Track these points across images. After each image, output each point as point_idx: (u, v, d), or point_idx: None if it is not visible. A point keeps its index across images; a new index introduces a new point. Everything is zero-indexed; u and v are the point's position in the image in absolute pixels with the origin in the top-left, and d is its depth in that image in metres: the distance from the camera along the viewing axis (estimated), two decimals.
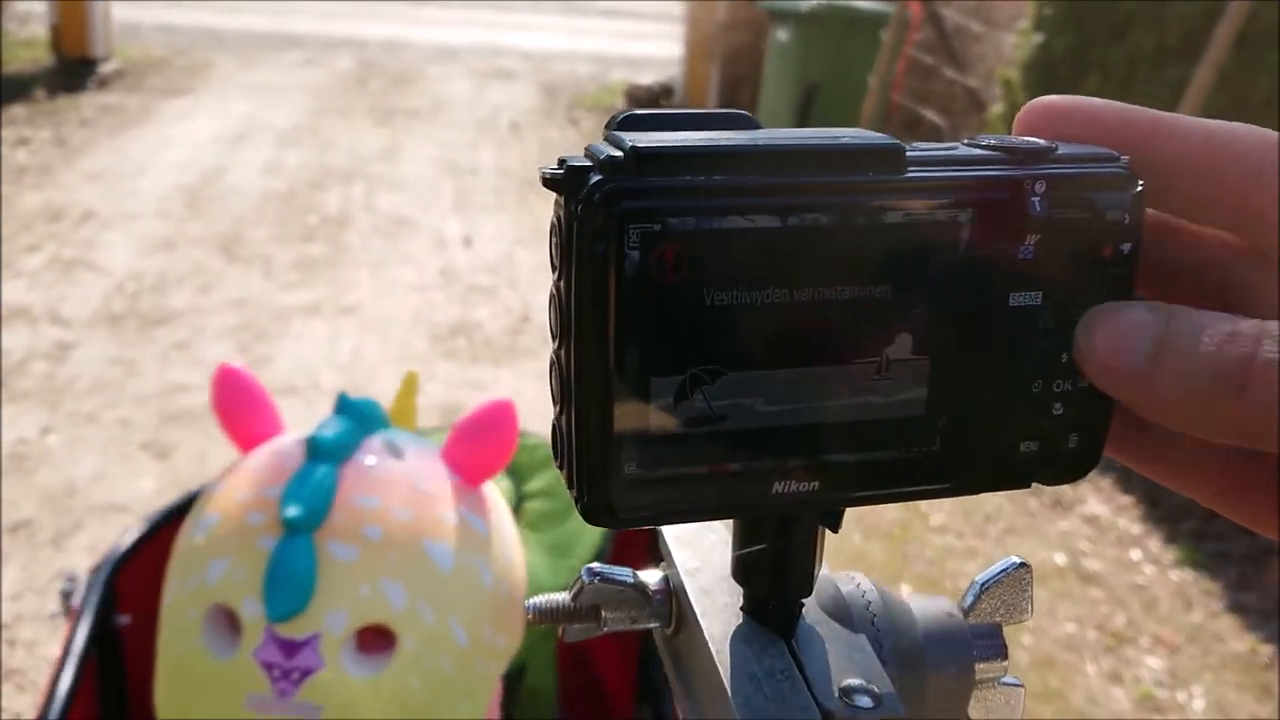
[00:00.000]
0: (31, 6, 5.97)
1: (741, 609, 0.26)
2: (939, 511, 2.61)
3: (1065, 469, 0.24)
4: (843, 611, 0.26)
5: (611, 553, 1.22)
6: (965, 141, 0.24)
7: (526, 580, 1.00)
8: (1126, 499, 2.72)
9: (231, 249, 3.77)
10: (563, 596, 0.26)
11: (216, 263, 3.63)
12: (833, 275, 0.21)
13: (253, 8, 8.98)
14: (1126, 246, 0.23)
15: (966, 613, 0.27)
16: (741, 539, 0.25)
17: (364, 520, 0.85)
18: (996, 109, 3.87)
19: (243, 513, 0.86)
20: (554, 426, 0.23)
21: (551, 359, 0.22)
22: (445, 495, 0.90)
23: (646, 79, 7.06)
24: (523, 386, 2.93)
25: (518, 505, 1.32)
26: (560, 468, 0.22)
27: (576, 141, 5.81)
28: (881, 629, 0.26)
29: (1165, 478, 0.26)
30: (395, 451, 0.92)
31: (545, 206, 3.79)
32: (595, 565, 0.26)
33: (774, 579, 0.25)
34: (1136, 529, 2.60)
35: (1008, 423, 0.24)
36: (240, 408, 0.95)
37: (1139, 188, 0.23)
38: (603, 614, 0.26)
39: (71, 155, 4.69)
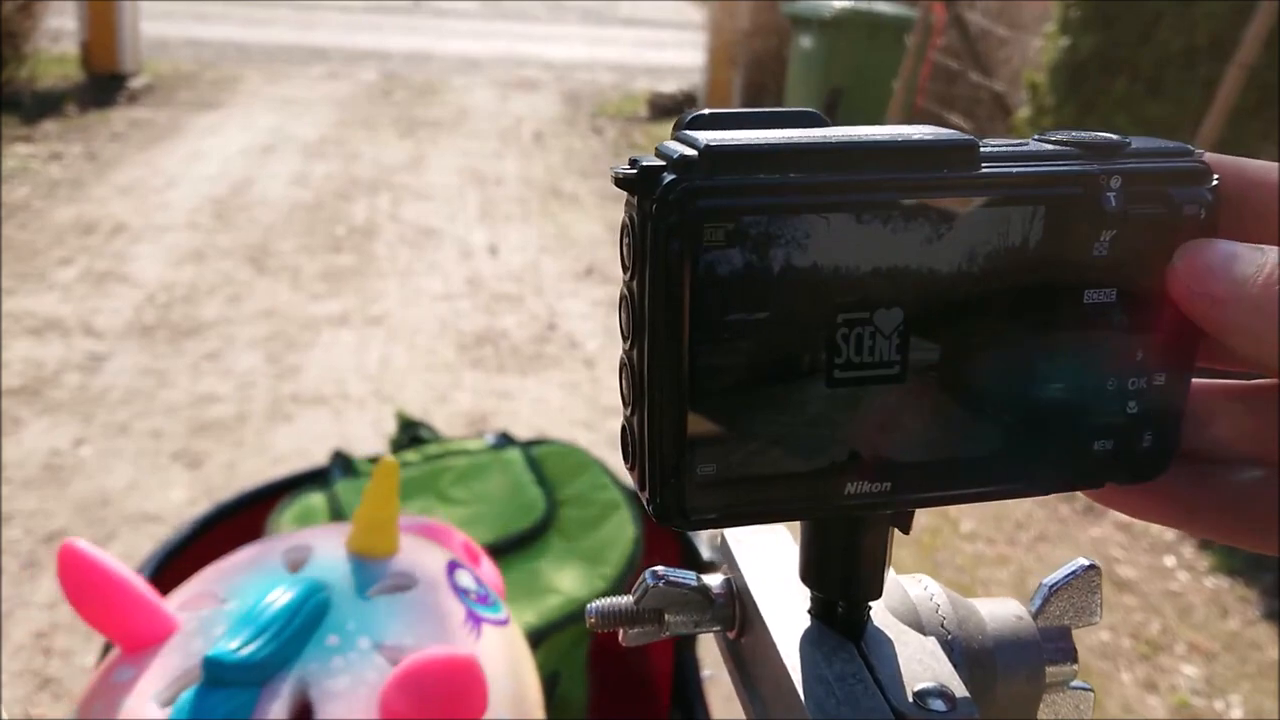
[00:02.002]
0: (62, 23, 6.05)
1: (809, 611, 0.26)
2: (969, 518, 2.59)
3: (1139, 468, 0.24)
4: (912, 615, 0.26)
5: (643, 561, 1.22)
6: (1037, 136, 0.23)
7: None
8: None
9: (260, 260, 3.80)
10: (626, 600, 0.26)
11: (246, 274, 3.66)
12: (906, 273, 0.21)
13: (279, 21, 9.07)
14: None
15: (1035, 615, 0.27)
16: (810, 540, 0.25)
17: None
18: (1023, 112, 3.84)
19: None
20: (624, 428, 0.22)
21: (622, 360, 0.22)
22: None
23: (669, 87, 7.07)
24: (549, 394, 2.93)
25: (549, 514, 1.32)
26: (630, 468, 0.22)
27: (600, 150, 5.83)
28: (952, 632, 0.25)
29: (1198, 524, 0.25)
30: (304, 713, 0.67)
31: (570, 215, 3.83)
32: (660, 568, 0.26)
33: (844, 581, 0.25)
34: (1170, 534, 2.57)
35: (1082, 421, 0.23)
36: (100, 606, 0.71)
37: (1214, 181, 0.23)
38: (666, 617, 0.26)
39: (103, 169, 4.75)
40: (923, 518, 2.23)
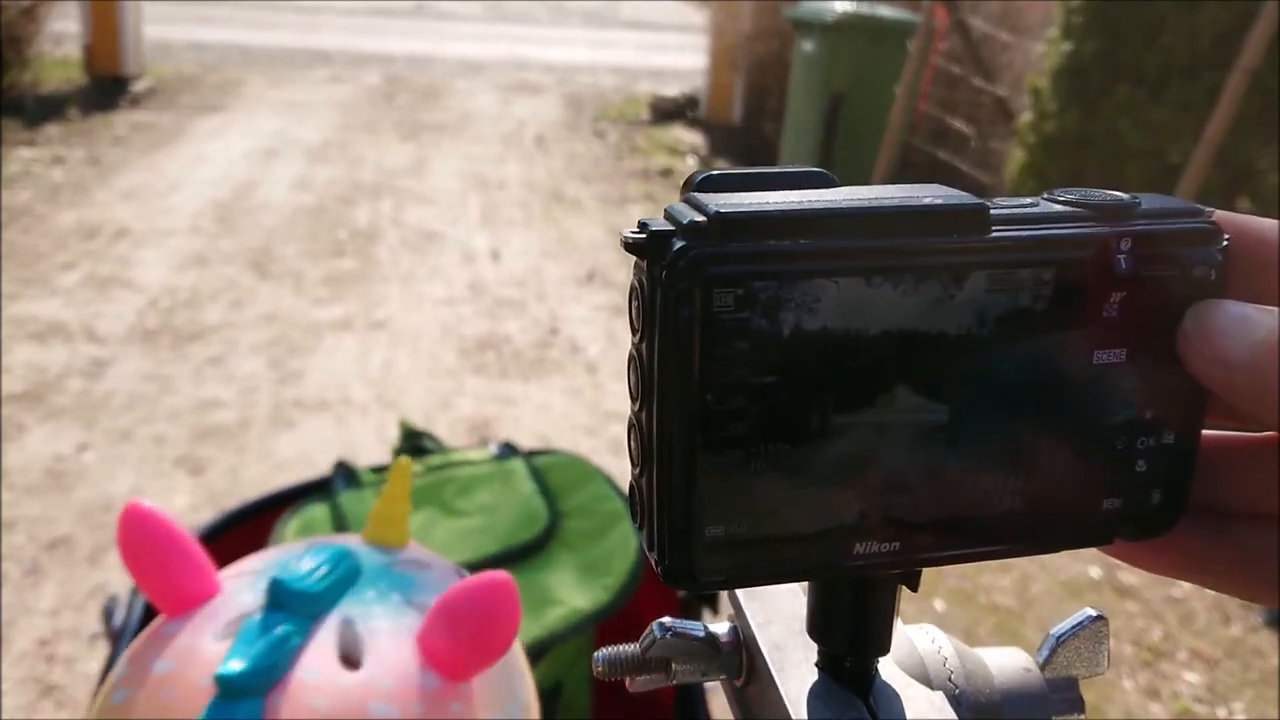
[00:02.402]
0: (65, 27, 6.06)
1: (816, 665, 0.26)
2: None
3: (1148, 525, 0.24)
4: (919, 668, 0.26)
5: (646, 573, 1.22)
6: (1046, 196, 0.23)
7: None
8: None
9: (263, 265, 3.80)
10: (632, 648, 0.26)
11: (248, 278, 3.66)
12: (915, 336, 0.21)
13: (282, 24, 9.08)
14: None
15: (1043, 666, 0.27)
16: (818, 597, 0.25)
17: None
18: (1025, 117, 3.84)
19: None
20: (632, 487, 0.23)
21: (631, 420, 0.22)
22: (414, 714, 0.70)
23: (671, 90, 7.07)
24: (551, 400, 2.93)
25: (552, 525, 1.32)
26: (639, 528, 0.22)
27: (602, 154, 5.83)
28: (959, 686, 0.25)
29: (1209, 578, 0.25)
30: (353, 649, 0.72)
31: (572, 219, 3.83)
32: (667, 620, 0.26)
33: (852, 637, 0.25)
34: None
35: (1090, 480, 0.23)
36: (157, 562, 0.75)
37: (1225, 242, 0.23)
38: (673, 666, 0.26)
39: (105, 173, 4.75)
40: None
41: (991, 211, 0.22)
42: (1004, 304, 0.22)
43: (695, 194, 0.21)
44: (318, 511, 1.31)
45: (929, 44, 4.42)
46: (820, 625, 0.25)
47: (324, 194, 4.69)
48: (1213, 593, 2.14)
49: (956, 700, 0.25)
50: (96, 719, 0.71)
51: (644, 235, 0.21)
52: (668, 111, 6.72)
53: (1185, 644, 2.23)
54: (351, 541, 0.84)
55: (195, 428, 2.65)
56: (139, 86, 6.17)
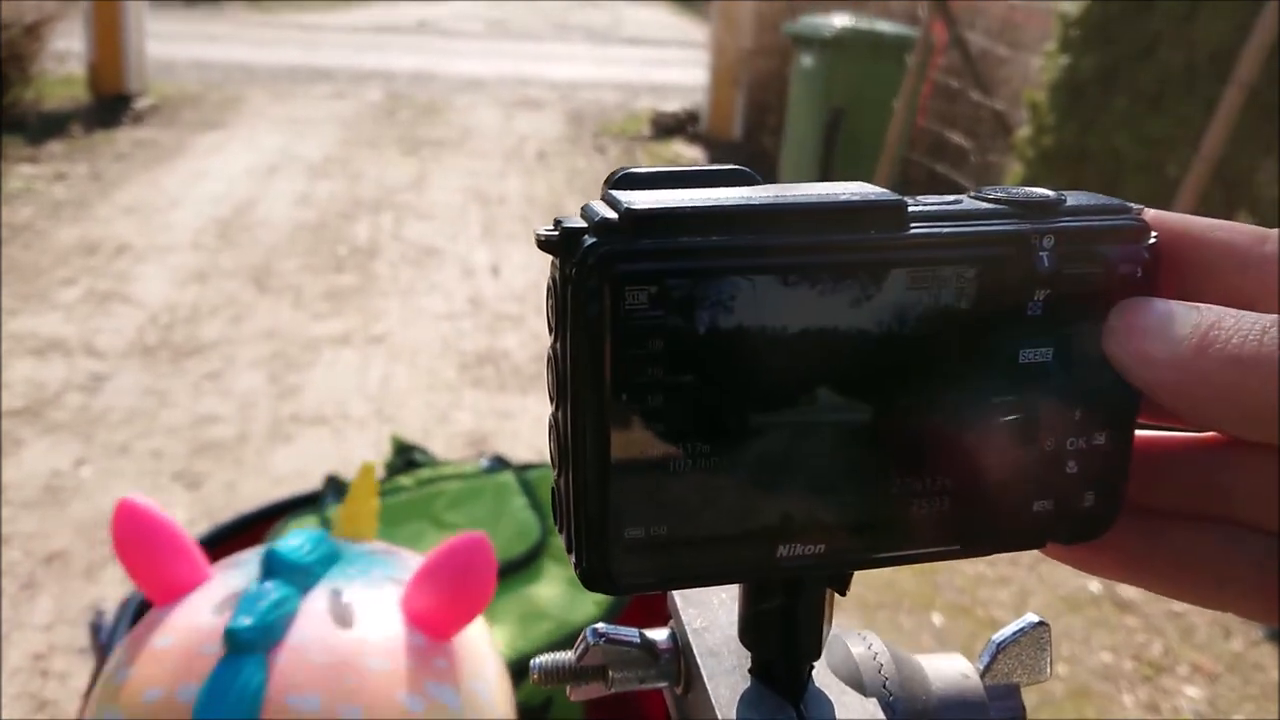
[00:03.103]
0: (70, 45, 6.10)
1: (750, 671, 0.25)
2: None
3: (1081, 528, 0.24)
4: (854, 674, 0.25)
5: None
6: (972, 194, 0.23)
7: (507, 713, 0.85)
8: None
9: (263, 280, 3.81)
10: (568, 656, 0.26)
11: (248, 294, 3.67)
12: (835, 335, 0.21)
13: (285, 41, 9.12)
14: None
15: (983, 673, 0.26)
16: (748, 601, 0.25)
17: None
18: (1023, 131, 3.85)
19: (155, 716, 0.71)
20: (553, 490, 0.22)
21: (550, 422, 0.22)
22: (405, 670, 0.74)
23: (672, 106, 7.09)
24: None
25: (543, 539, 1.32)
26: (560, 531, 0.22)
27: (603, 169, 5.84)
28: (894, 693, 0.25)
29: (1149, 580, 0.25)
30: (343, 615, 0.75)
31: None
32: (600, 626, 0.26)
33: (782, 642, 0.25)
34: None
35: (1020, 481, 0.23)
36: (149, 554, 0.78)
37: (1153, 239, 0.23)
38: (610, 674, 0.26)
39: (107, 189, 4.77)
40: None
41: (911, 209, 0.22)
42: (926, 302, 0.21)
43: (611, 191, 0.21)
44: (308, 523, 1.31)
45: (927, 59, 4.43)
46: (750, 631, 0.25)
47: (324, 209, 4.70)
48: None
49: (890, 707, 0.25)
50: (100, 699, 0.74)
51: (556, 232, 0.21)
52: (668, 127, 6.73)
53: (1186, 658, 2.21)
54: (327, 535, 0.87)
55: (193, 442, 2.65)
56: (142, 104, 6.20)
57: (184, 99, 6.67)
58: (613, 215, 0.20)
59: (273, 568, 0.76)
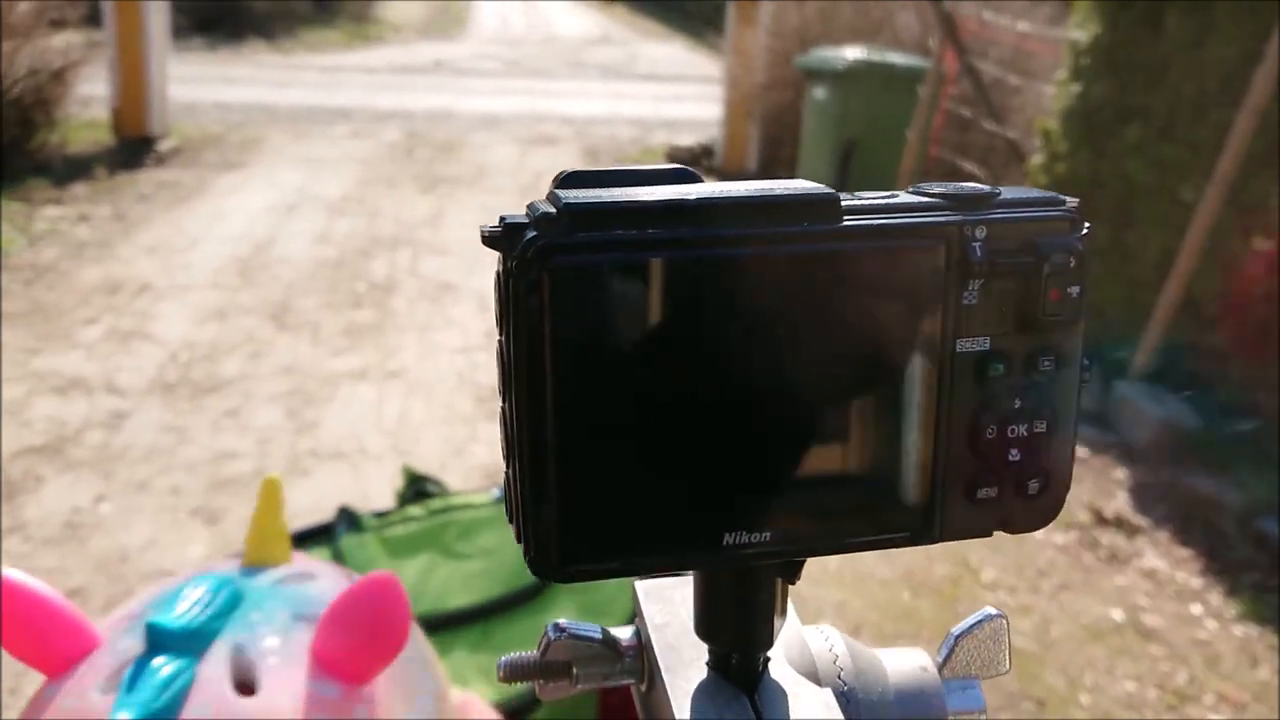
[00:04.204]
0: (94, 89, 6.21)
1: (707, 664, 0.26)
2: (990, 566, 2.56)
3: (1027, 516, 0.24)
4: (810, 667, 0.25)
5: None
6: (910, 189, 0.24)
7: None
8: (1185, 552, 2.64)
9: (281, 317, 3.84)
10: (533, 654, 0.26)
11: (267, 331, 3.70)
12: (774, 324, 0.21)
13: (304, 83, 9.25)
14: (1075, 290, 0.23)
15: (942, 666, 0.27)
16: (700, 594, 0.25)
17: None
18: (1036, 159, 3.85)
19: None
20: (504, 481, 0.23)
21: (500, 414, 0.22)
22: None
23: (687, 140, 7.14)
24: None
25: None
26: (510, 521, 0.23)
27: None
28: (849, 684, 0.25)
29: None
30: (244, 674, 0.70)
31: None
32: (562, 621, 0.26)
33: (735, 634, 0.25)
34: (1196, 582, 2.52)
35: (963, 470, 0.23)
36: (32, 629, 0.73)
37: (1085, 230, 0.23)
38: (574, 670, 0.26)
39: (129, 230, 4.84)
40: (941, 566, 2.20)
41: (847, 202, 0.22)
42: (860, 292, 0.22)
43: (556, 190, 0.22)
44: (321, 554, 1.32)
45: (939, 89, 4.45)
46: (704, 623, 0.25)
47: (343, 247, 4.75)
48: (1240, 635, 2.09)
49: (845, 698, 0.25)
50: None
51: (500, 228, 0.21)
52: (683, 160, 6.78)
53: (1212, 687, 2.18)
54: (231, 567, 0.83)
55: (212, 478, 2.67)
56: (164, 146, 6.30)
57: (205, 140, 6.77)
58: (551, 210, 0.21)
59: (157, 641, 0.71)
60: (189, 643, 0.71)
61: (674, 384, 0.21)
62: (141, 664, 0.69)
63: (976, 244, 0.22)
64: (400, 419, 3.08)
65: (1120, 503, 2.86)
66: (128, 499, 2.55)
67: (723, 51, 6.96)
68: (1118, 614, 2.41)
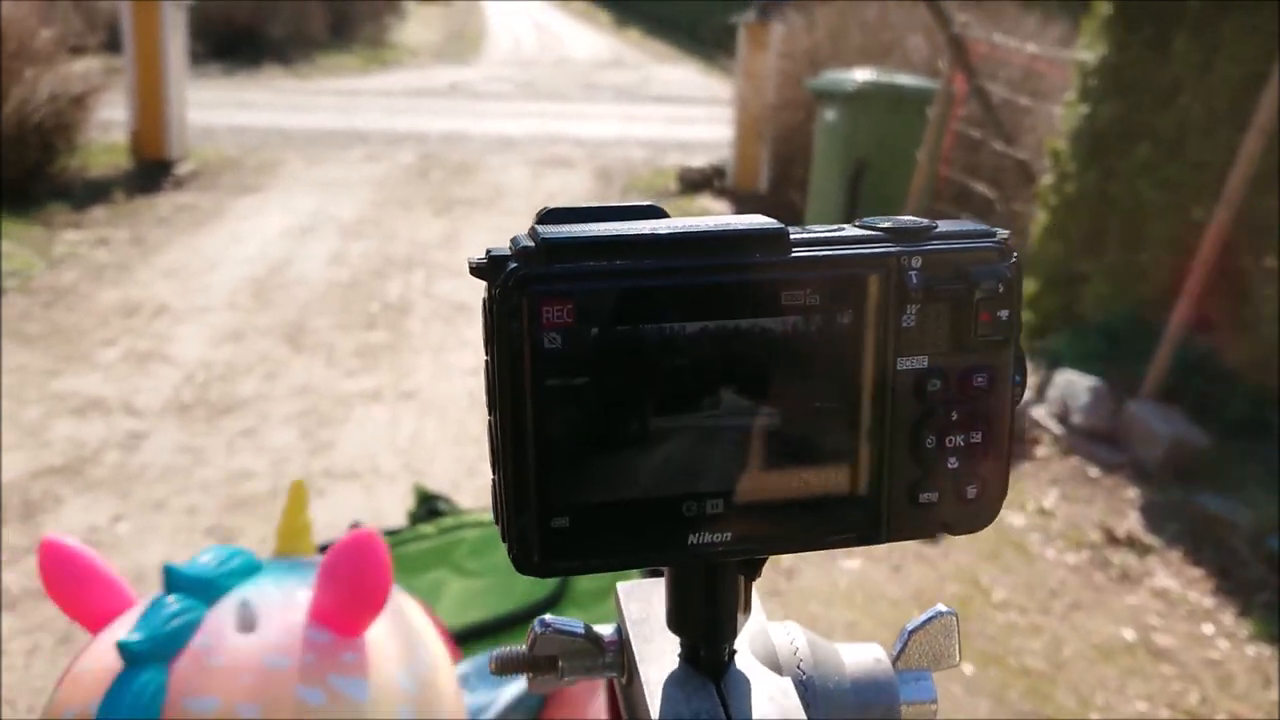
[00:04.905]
0: (113, 114, 6.30)
1: (679, 656, 0.28)
2: (1001, 586, 2.56)
3: (967, 519, 0.26)
4: (772, 658, 0.28)
5: None
6: (857, 223, 0.26)
7: (446, 705, 0.86)
8: (1197, 571, 2.64)
9: (297, 338, 3.89)
10: (521, 648, 0.29)
11: (282, 352, 3.74)
12: (730, 345, 0.24)
13: (320, 107, 9.36)
14: (1004, 313, 0.25)
15: (896, 659, 0.29)
16: (670, 590, 0.28)
17: None
18: (1046, 179, 3.87)
19: None
20: (491, 488, 0.25)
21: (487, 426, 0.25)
22: (306, 668, 0.76)
23: (699, 161, 7.19)
24: None
25: (564, 583, 1.34)
26: (496, 522, 0.25)
27: None
28: (808, 673, 0.27)
29: None
30: (247, 620, 0.78)
31: None
32: (547, 617, 0.29)
33: (702, 627, 0.27)
34: (1209, 602, 2.52)
35: (905, 475, 0.25)
36: (74, 587, 0.81)
37: (1013, 259, 0.25)
38: (560, 664, 0.28)
39: (148, 253, 4.90)
40: (952, 586, 2.20)
41: (795, 236, 0.25)
42: (810, 316, 0.24)
43: (536, 225, 0.25)
44: None
45: (948, 110, 4.48)
46: (675, 617, 0.28)
47: (357, 268, 4.80)
48: (1253, 655, 2.08)
49: (804, 685, 0.27)
50: None
51: (485, 260, 0.24)
52: (695, 182, 6.82)
53: (1224, 707, 2.17)
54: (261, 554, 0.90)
55: (227, 498, 2.70)
56: (182, 169, 6.38)
57: (223, 164, 6.85)
58: (530, 244, 0.24)
59: (173, 583, 0.79)
60: (202, 589, 0.78)
61: (641, 398, 0.24)
62: (157, 601, 0.77)
63: (913, 272, 0.25)
64: (413, 439, 3.11)
65: (1131, 522, 2.86)
66: (144, 518, 2.58)
67: (734, 74, 7.01)
68: (1129, 633, 2.41)
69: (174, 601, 0.77)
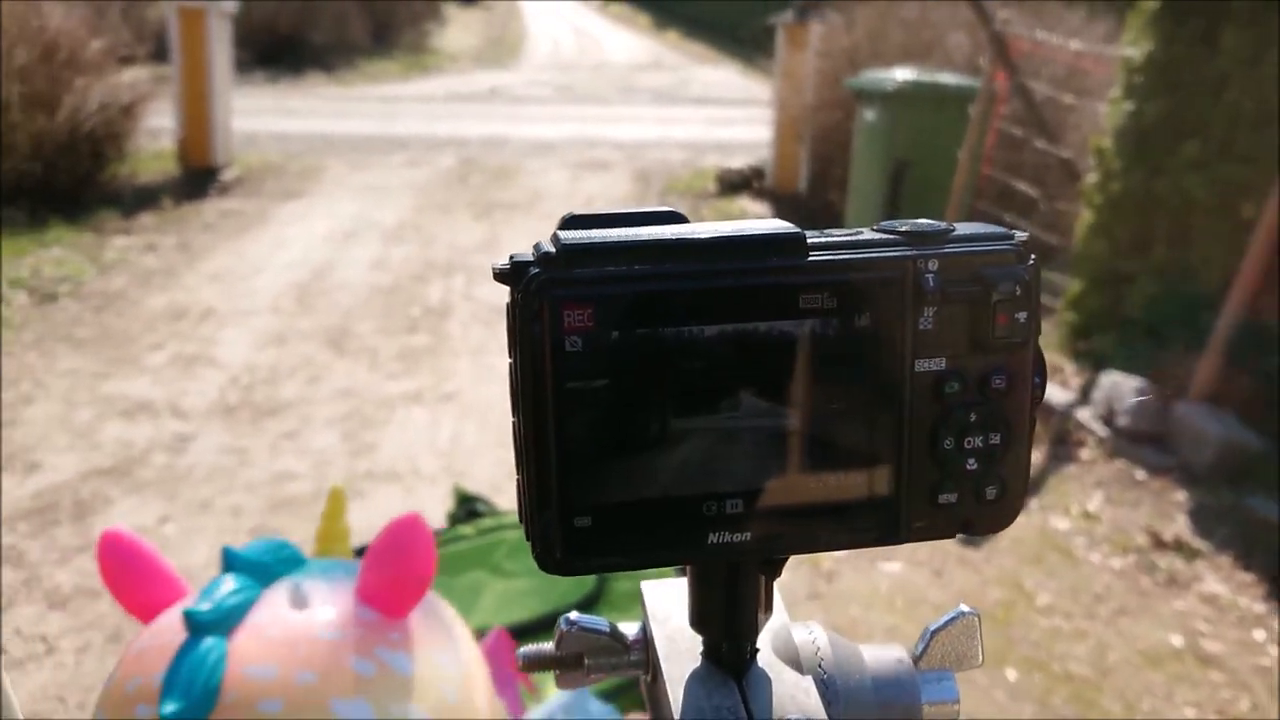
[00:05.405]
0: (161, 122, 6.42)
1: (701, 654, 0.28)
2: (1045, 591, 2.53)
3: (986, 520, 0.26)
4: (794, 657, 0.28)
5: None
6: (874, 228, 0.26)
7: (481, 700, 0.88)
8: (1247, 576, 2.59)
9: (340, 342, 3.93)
10: (549, 646, 0.29)
11: (325, 355, 3.79)
12: (748, 348, 0.24)
13: (362, 113, 9.47)
14: (1022, 315, 0.25)
15: (918, 659, 0.29)
16: (693, 589, 0.28)
17: (259, 695, 0.75)
18: (1091, 178, 3.82)
19: (132, 707, 0.77)
20: (516, 487, 0.26)
21: (512, 427, 0.25)
22: (357, 641, 0.79)
23: (737, 162, 7.18)
24: None
25: (600, 586, 1.34)
26: (521, 522, 0.25)
27: None
28: (829, 672, 0.28)
29: None
30: (299, 600, 0.81)
31: None
32: (573, 615, 0.29)
33: (723, 625, 0.27)
34: (1260, 607, 2.47)
35: (924, 476, 0.26)
36: (130, 578, 0.85)
37: (1031, 260, 0.25)
38: (585, 661, 0.29)
39: (194, 259, 4.99)
40: (995, 590, 2.18)
41: (813, 240, 0.25)
42: (828, 319, 0.24)
43: (559, 231, 0.25)
44: None
45: (990, 108, 4.43)
46: (696, 615, 0.28)
47: (399, 273, 4.85)
48: None
49: (824, 684, 0.27)
50: (97, 704, 0.81)
51: (509, 265, 0.25)
52: (734, 183, 6.81)
53: (1275, 715, 2.13)
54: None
55: (271, 499, 2.74)
56: (227, 176, 6.49)
57: (266, 170, 6.95)
58: (552, 250, 0.24)
59: (231, 564, 0.83)
60: (257, 571, 0.83)
61: (661, 402, 0.24)
62: (216, 581, 0.82)
63: (929, 275, 0.25)
64: (454, 441, 3.14)
65: (1180, 526, 2.81)
66: (191, 519, 2.63)
67: (773, 74, 6.99)
68: (1177, 639, 2.36)
69: (232, 580, 0.81)
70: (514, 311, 0.24)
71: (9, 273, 4.46)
